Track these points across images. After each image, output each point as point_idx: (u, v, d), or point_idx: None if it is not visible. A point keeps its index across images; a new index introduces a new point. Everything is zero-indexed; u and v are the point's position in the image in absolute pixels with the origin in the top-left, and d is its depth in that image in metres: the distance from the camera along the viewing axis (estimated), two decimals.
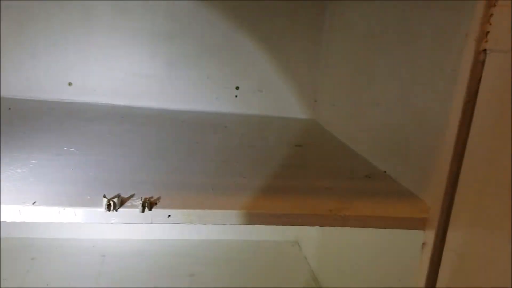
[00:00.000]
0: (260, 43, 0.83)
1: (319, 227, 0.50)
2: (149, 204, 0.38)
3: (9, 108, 0.69)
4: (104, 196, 0.37)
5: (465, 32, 0.38)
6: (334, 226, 0.42)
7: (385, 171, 0.56)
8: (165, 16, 0.78)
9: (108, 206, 0.37)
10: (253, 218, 0.40)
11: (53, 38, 0.75)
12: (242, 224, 0.40)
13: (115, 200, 0.37)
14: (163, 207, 0.39)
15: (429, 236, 0.43)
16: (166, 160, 0.53)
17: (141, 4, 0.76)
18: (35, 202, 0.37)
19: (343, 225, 0.42)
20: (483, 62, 0.37)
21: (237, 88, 0.86)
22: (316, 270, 0.82)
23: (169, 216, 0.39)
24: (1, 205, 0.36)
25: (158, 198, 0.40)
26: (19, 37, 0.74)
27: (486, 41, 0.36)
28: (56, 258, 0.78)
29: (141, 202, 0.38)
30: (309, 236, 0.90)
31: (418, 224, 0.44)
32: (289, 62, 0.85)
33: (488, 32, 0.36)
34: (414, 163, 0.49)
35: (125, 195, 0.40)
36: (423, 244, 0.44)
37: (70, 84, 0.77)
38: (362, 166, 0.58)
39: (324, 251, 0.79)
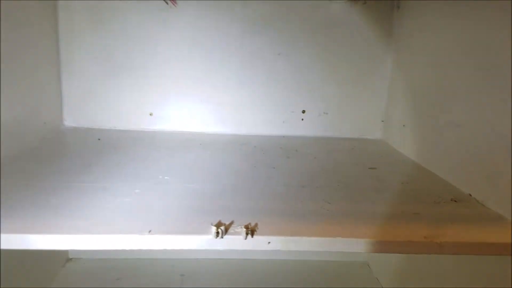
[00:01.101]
0: (324, 66, 0.85)
1: None
2: (251, 232, 0.41)
3: (99, 139, 0.76)
4: (212, 225, 0.40)
5: None
6: (429, 254, 0.42)
7: (470, 194, 0.56)
8: (236, 47, 0.82)
9: (217, 233, 0.39)
10: (348, 245, 0.42)
11: (135, 73, 0.81)
12: (339, 251, 0.41)
13: (222, 228, 0.40)
14: (263, 234, 0.41)
15: None
16: (251, 185, 0.56)
17: (212, 37, 0.81)
18: (150, 230, 0.40)
19: (439, 252, 0.42)
20: None
21: (303, 111, 0.88)
22: None
23: (269, 242, 0.41)
24: (120, 234, 0.40)
25: (256, 225, 0.43)
26: (104, 73, 0.81)
27: None
28: (139, 278, 0.83)
29: (243, 229, 0.41)
30: (379, 257, 0.89)
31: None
32: (354, 83, 0.86)
33: None
34: (503, 186, 0.49)
35: (225, 222, 0.43)
36: None
37: (151, 114, 0.83)
38: (445, 189, 0.58)
39: (397, 272, 0.78)
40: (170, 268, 0.86)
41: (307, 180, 0.59)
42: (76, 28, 0.78)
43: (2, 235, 0.38)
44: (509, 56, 0.49)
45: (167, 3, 0.78)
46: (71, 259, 0.89)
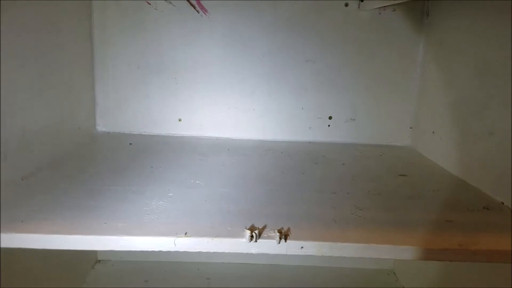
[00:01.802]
0: (352, 73, 0.85)
1: None
2: (284, 236, 0.41)
3: (130, 143, 0.78)
4: (246, 228, 0.41)
5: None
6: (464, 261, 0.42)
7: (502, 202, 0.55)
8: (265, 54, 0.83)
9: (251, 237, 0.40)
10: (382, 252, 0.42)
11: (165, 79, 0.83)
12: (372, 257, 0.41)
13: (256, 232, 0.41)
14: (296, 238, 0.42)
15: None
16: (281, 191, 0.56)
17: (242, 45, 0.82)
18: (186, 233, 0.41)
19: (472, 260, 0.42)
20: None
21: (330, 118, 0.88)
22: None
23: (302, 247, 0.42)
24: (158, 237, 0.41)
25: (289, 229, 0.43)
26: (136, 80, 0.83)
27: None
28: (166, 280, 0.84)
29: (276, 233, 0.42)
30: (405, 265, 0.88)
31: None
32: (382, 89, 0.86)
33: None
34: None
35: (258, 226, 0.43)
36: None
37: (180, 120, 0.85)
38: (476, 197, 0.57)
39: (423, 280, 0.77)
40: (196, 271, 0.88)
41: (337, 186, 0.60)
42: (110, 35, 0.81)
43: (39, 235, 0.40)
44: None
45: (198, 11, 0.80)
46: (99, 261, 0.91)
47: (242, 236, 0.41)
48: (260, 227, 0.43)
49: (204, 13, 0.80)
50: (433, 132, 0.76)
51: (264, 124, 0.87)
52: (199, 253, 0.41)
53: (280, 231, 0.42)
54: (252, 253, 0.41)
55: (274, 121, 0.87)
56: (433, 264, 0.72)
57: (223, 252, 0.85)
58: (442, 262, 0.68)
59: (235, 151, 0.77)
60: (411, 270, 0.85)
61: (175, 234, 0.41)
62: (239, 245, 0.41)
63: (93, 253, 0.91)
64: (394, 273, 0.93)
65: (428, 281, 0.75)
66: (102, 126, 0.85)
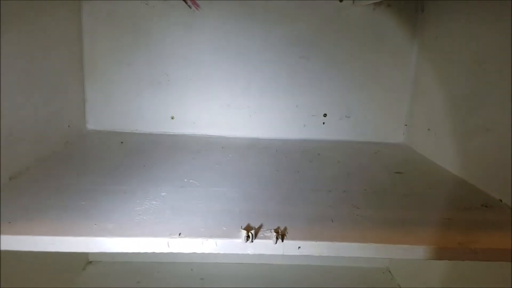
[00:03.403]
0: (346, 69, 0.84)
1: None
2: (281, 236, 0.40)
3: (122, 142, 0.76)
4: (242, 228, 0.40)
5: None
6: (463, 260, 0.41)
7: (500, 200, 0.54)
8: (258, 51, 0.82)
9: (247, 237, 0.39)
10: (380, 251, 0.41)
11: (157, 77, 0.82)
12: (369, 256, 0.40)
13: (252, 232, 0.40)
14: (293, 238, 0.41)
15: None
16: (276, 190, 0.55)
17: (235, 41, 0.81)
18: (180, 233, 0.40)
19: (473, 258, 0.41)
20: None
21: (324, 115, 0.87)
22: None
23: (299, 247, 0.41)
24: (151, 237, 0.40)
25: (286, 229, 0.42)
26: (127, 77, 0.81)
27: None
28: (159, 281, 0.83)
29: (273, 233, 0.40)
30: (401, 263, 0.87)
31: None
32: (377, 86, 0.85)
33: None
34: None
35: (251, 225, 0.42)
36: None
37: (172, 117, 0.84)
38: (474, 195, 0.57)
39: (419, 279, 0.77)
40: (190, 271, 0.86)
41: (333, 184, 0.59)
42: (99, 32, 0.79)
43: (27, 237, 0.38)
44: None
45: (190, 7, 0.78)
46: (91, 262, 0.90)
47: (238, 237, 0.40)
48: (256, 227, 0.42)
49: (196, 8, 0.78)
50: (428, 129, 0.75)
51: (258, 122, 0.86)
52: (193, 253, 0.40)
53: (277, 231, 0.41)
54: (247, 253, 0.40)
55: (268, 118, 0.86)
56: (428, 262, 0.72)
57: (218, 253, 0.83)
58: (438, 261, 0.67)
59: (229, 149, 0.76)
60: (406, 269, 0.84)
61: (169, 235, 0.40)
62: (235, 245, 0.40)
63: (84, 254, 0.89)
64: (390, 271, 0.92)
65: (424, 279, 0.74)
66: (92, 124, 0.83)
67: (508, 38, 0.54)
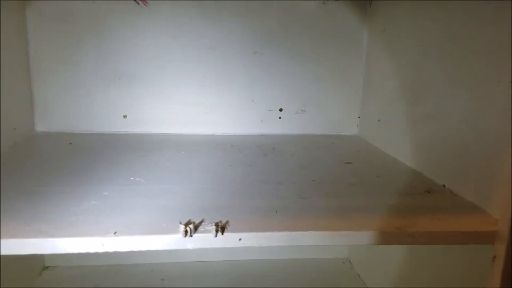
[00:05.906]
0: (300, 64, 0.85)
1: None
2: (221, 229, 0.40)
3: (70, 143, 0.74)
4: (181, 223, 0.39)
5: None
6: (402, 244, 0.42)
7: (443, 185, 0.56)
8: (211, 46, 0.81)
9: (185, 232, 0.39)
10: (320, 238, 0.41)
11: (107, 75, 0.80)
12: (311, 245, 0.41)
13: (191, 226, 0.39)
14: (234, 231, 0.41)
15: (500, 249, 0.42)
16: (225, 185, 0.55)
17: (186, 36, 0.80)
18: (115, 232, 0.39)
19: (411, 242, 0.42)
20: None
21: (280, 110, 0.87)
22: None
23: (240, 239, 0.40)
24: (83, 237, 0.38)
25: (227, 222, 0.42)
26: (76, 76, 0.79)
27: None
28: (118, 283, 0.81)
29: (213, 227, 0.40)
30: (360, 253, 0.89)
31: (487, 237, 0.43)
32: (330, 80, 0.86)
33: None
34: (476, 176, 0.49)
35: (195, 221, 0.42)
36: (494, 257, 0.43)
37: (125, 116, 0.82)
38: (419, 181, 0.58)
39: (378, 267, 0.78)
40: (150, 272, 0.85)
41: (284, 177, 0.59)
42: (45, 32, 0.76)
43: None
44: (477, 49, 0.49)
45: (138, 3, 0.77)
46: (47, 267, 0.87)
47: (177, 232, 0.39)
48: (197, 222, 0.42)
49: (144, 4, 0.77)
50: (379, 120, 0.77)
51: (214, 118, 0.85)
52: (154, 253, 0.39)
53: (217, 224, 0.40)
54: (211, 251, 0.39)
55: (225, 115, 0.86)
56: (387, 251, 0.73)
57: (178, 252, 0.83)
58: (397, 249, 0.69)
59: (183, 147, 0.75)
60: (366, 258, 0.86)
61: (104, 234, 0.39)
62: (175, 241, 0.39)
63: (40, 259, 0.86)
64: (350, 261, 0.94)
65: (383, 268, 0.76)
66: (41, 126, 0.80)
67: (449, 31, 0.55)
